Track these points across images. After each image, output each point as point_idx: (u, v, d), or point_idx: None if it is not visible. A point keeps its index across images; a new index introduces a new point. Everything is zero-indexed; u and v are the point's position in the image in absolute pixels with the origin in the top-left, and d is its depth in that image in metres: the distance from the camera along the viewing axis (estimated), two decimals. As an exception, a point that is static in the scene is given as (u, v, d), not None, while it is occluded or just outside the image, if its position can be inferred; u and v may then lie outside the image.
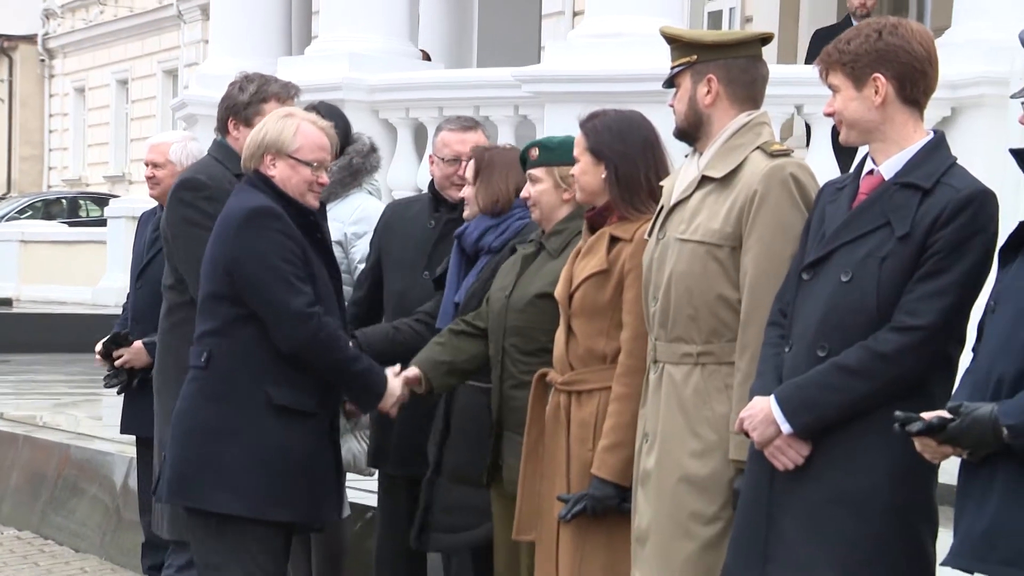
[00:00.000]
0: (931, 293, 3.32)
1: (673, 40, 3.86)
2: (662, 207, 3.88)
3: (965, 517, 3.13)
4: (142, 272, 6.02)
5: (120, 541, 7.07)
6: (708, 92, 3.77)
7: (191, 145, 5.98)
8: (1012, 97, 3.42)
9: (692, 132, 3.83)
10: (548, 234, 4.42)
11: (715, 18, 16.31)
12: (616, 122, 4.13)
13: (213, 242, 4.30)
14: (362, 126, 7.08)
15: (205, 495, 4.19)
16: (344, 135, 5.28)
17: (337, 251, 4.85)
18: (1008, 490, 3.05)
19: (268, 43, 12.35)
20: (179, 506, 4.39)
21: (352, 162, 5.53)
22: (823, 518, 3.37)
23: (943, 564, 3.19)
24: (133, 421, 6.06)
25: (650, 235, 3.89)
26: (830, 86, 3.50)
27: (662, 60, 4.02)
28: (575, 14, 16.40)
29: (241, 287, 4.22)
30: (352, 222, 5.45)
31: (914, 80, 3.43)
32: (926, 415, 3.08)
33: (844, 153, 3.41)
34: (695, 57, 3.79)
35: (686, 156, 3.97)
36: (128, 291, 6.22)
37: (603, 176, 4.10)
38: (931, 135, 3.49)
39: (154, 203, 6.20)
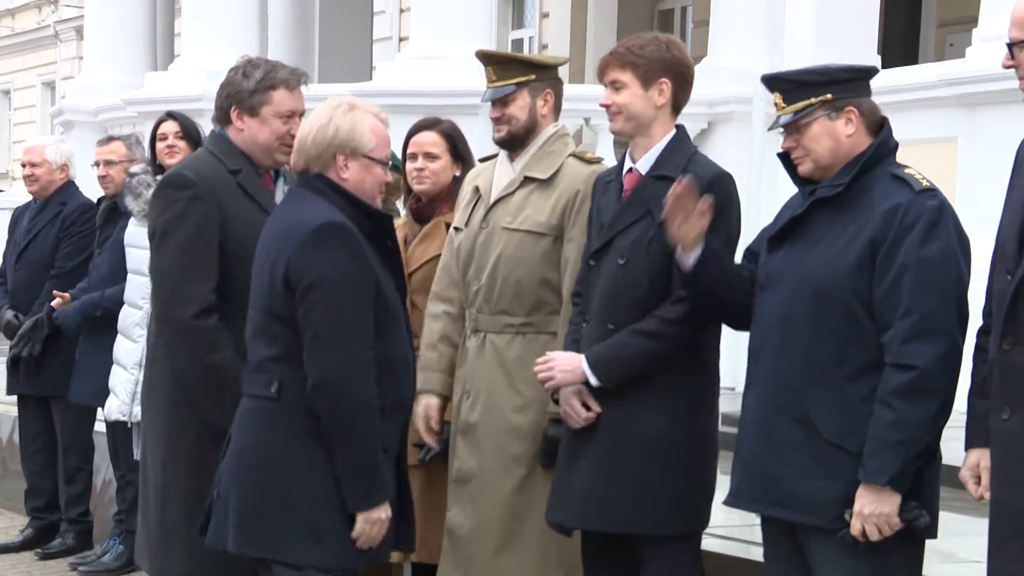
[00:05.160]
0: None
1: (510, 60, 3.79)
2: (478, 200, 3.82)
3: (737, 464, 3.11)
4: (19, 257, 5.90)
5: (5, 488, 6.89)
6: (545, 105, 3.74)
7: (62, 146, 5.94)
8: (769, 129, 3.48)
9: (522, 139, 3.74)
10: None
11: (517, 44, 16.38)
12: (461, 131, 4.12)
13: (271, 256, 3.17)
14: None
15: (283, 544, 3.10)
16: (197, 143, 5.01)
17: None
18: (766, 442, 3.03)
19: (136, 60, 12.07)
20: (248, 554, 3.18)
21: None
22: (619, 456, 3.36)
23: (724, 503, 3.17)
24: (15, 384, 5.96)
25: (466, 225, 3.82)
26: (614, 81, 3.41)
27: (473, 79, 3.99)
28: (401, 39, 16.32)
29: (300, 308, 3.10)
30: None
31: (684, 89, 3.45)
32: None
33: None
34: (534, 76, 3.74)
35: (480, 160, 3.95)
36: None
37: (456, 174, 4.08)
38: (674, 131, 3.44)
39: (28, 198, 6.14)
